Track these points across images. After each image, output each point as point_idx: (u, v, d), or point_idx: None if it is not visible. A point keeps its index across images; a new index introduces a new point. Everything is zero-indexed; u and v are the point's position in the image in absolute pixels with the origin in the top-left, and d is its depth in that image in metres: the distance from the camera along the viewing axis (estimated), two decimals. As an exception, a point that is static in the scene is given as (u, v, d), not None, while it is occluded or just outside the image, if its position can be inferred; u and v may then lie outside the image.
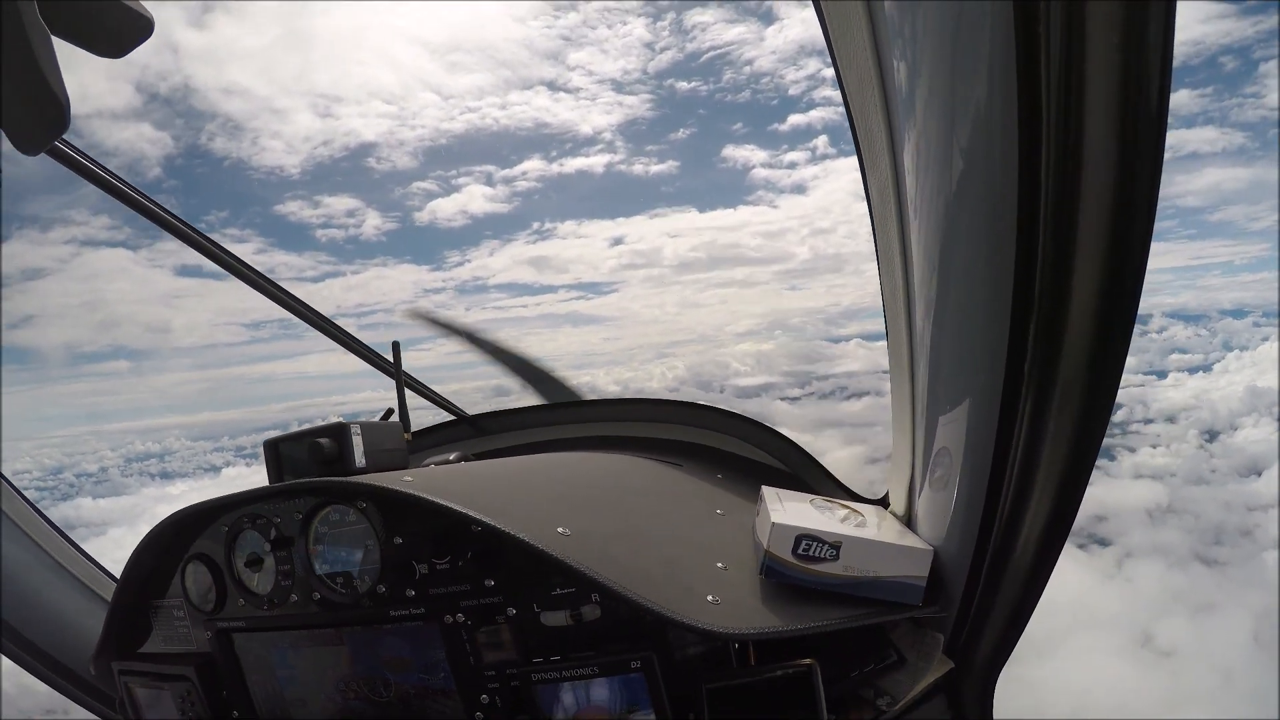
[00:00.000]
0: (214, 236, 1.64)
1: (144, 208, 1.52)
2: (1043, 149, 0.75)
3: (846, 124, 1.19)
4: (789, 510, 1.39)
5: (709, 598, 1.21)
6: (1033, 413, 0.95)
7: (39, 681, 2.05)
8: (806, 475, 1.94)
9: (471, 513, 1.20)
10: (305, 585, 1.43)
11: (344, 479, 1.36)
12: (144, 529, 1.57)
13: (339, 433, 1.46)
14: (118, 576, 1.64)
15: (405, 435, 1.66)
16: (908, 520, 1.51)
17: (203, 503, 1.50)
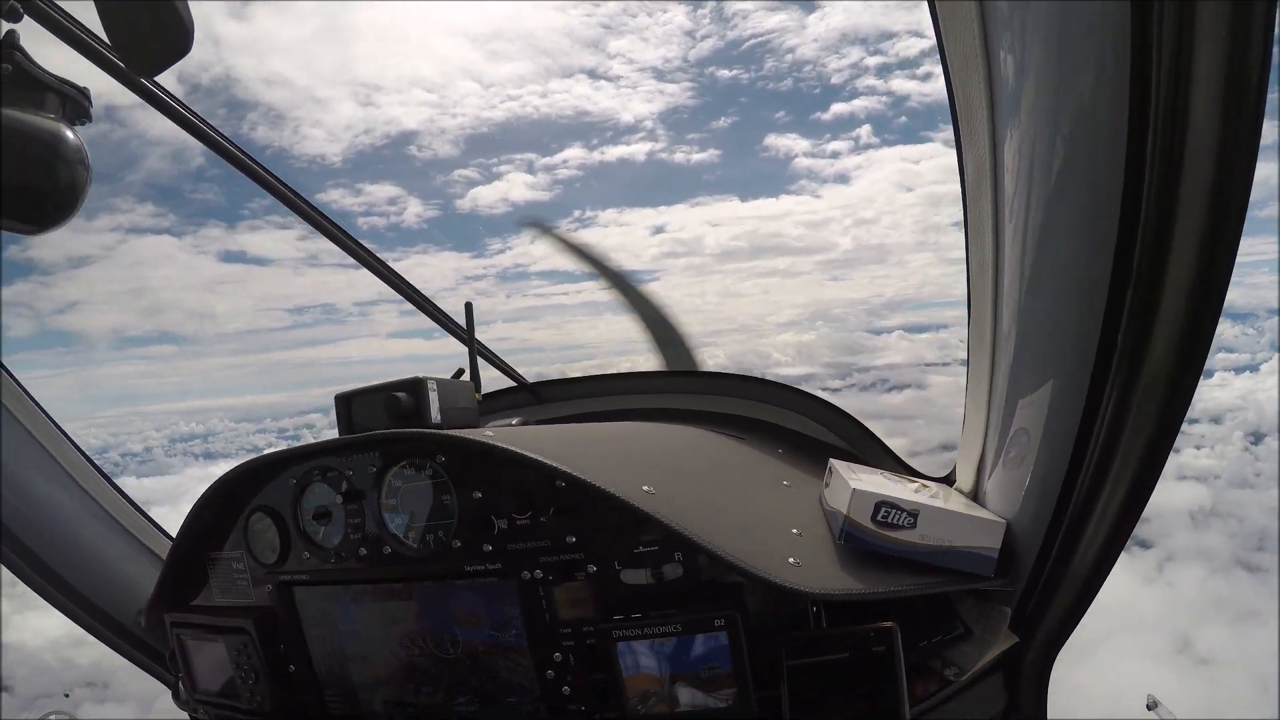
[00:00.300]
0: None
1: (224, 148, 1.55)
2: (1148, 142, 0.77)
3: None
4: (864, 479, 1.39)
5: (790, 559, 1.20)
6: (1118, 400, 0.97)
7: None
8: (868, 452, 1.92)
9: (564, 467, 1.19)
10: (376, 539, 1.41)
11: (435, 431, 1.34)
12: (187, 508, 1.55)
13: (416, 388, 1.41)
14: (168, 531, 1.63)
15: (475, 395, 1.64)
16: (974, 497, 1.51)
17: (272, 453, 1.49)
